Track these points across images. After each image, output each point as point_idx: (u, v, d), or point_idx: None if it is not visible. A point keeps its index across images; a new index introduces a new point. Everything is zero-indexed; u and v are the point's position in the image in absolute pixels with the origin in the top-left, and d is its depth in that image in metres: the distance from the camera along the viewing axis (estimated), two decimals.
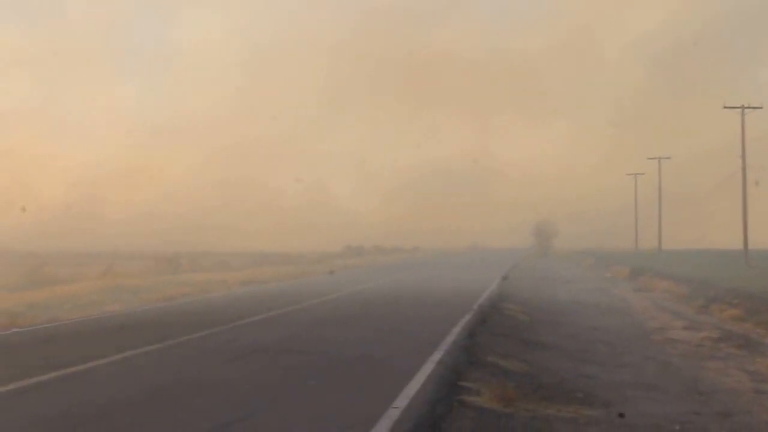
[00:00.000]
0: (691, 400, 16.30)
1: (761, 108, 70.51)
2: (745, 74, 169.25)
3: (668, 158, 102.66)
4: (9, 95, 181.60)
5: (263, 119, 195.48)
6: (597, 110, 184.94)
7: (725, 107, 70.94)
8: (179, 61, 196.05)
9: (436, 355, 18.49)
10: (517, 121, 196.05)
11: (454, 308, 30.67)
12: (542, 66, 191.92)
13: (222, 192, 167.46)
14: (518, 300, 36.75)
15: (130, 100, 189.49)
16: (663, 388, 17.52)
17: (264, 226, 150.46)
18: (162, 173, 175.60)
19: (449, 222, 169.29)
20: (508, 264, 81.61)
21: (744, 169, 69.31)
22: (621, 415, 13.73)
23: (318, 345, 20.66)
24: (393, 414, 12.44)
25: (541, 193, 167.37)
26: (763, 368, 20.40)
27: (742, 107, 70.30)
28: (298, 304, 32.75)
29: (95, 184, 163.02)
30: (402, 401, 13.38)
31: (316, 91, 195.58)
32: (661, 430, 13.26)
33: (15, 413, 12.73)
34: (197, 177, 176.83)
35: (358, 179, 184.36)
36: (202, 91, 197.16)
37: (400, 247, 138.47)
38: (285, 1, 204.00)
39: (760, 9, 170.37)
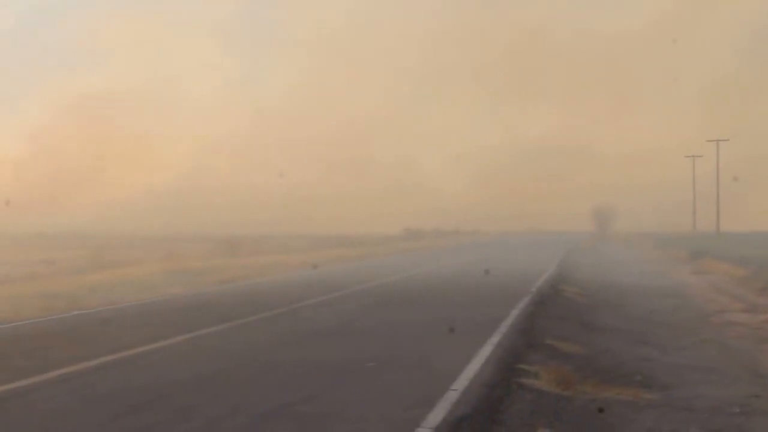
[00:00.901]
0: (751, 383, 16.22)
1: None
2: None
3: (726, 140, 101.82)
4: (121, 76, 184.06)
5: (361, 101, 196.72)
6: (682, 94, 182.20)
7: None
8: (283, 43, 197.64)
9: (494, 338, 18.57)
10: (604, 105, 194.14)
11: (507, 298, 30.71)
12: (631, 49, 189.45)
13: (320, 174, 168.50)
14: (577, 283, 36.69)
15: (236, 82, 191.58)
16: (722, 371, 17.45)
17: (347, 208, 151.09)
18: (264, 156, 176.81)
19: (525, 205, 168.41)
20: (565, 247, 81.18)
21: None
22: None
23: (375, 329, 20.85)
24: (452, 396, 12.52)
25: (615, 178, 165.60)
26: None
27: None
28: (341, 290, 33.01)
29: (204, 166, 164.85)
30: (461, 383, 13.47)
31: (410, 73, 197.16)
32: (721, 413, 13.23)
33: (78, 394, 12.98)
34: (296, 159, 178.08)
35: (446, 161, 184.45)
36: (302, 71, 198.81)
37: (460, 230, 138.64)
38: None
39: None
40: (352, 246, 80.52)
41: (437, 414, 11.46)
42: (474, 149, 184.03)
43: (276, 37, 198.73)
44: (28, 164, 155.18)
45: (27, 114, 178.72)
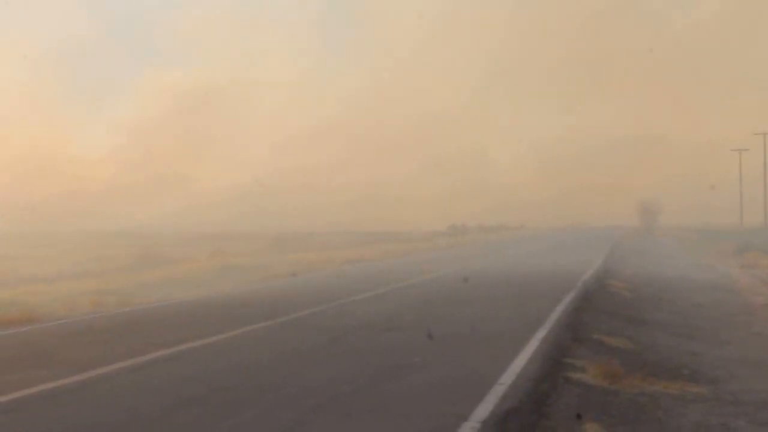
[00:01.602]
0: None
1: None
2: None
3: None
4: (203, 76, 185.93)
5: (430, 98, 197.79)
6: (747, 88, 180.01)
7: None
8: (356, 44, 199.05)
9: (540, 333, 18.64)
10: (670, 100, 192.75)
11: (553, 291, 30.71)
12: (708, 39, 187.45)
13: (388, 171, 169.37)
14: (622, 277, 36.61)
15: (313, 81, 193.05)
16: None
17: (407, 205, 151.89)
18: (337, 156, 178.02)
19: (576, 200, 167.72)
20: (610, 242, 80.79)
21: None
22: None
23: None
24: (499, 390, 12.62)
25: (669, 172, 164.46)
26: None
27: None
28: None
29: (277, 167, 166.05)
30: (508, 377, 13.56)
31: (483, 64, 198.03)
32: None
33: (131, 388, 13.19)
34: (367, 157, 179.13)
35: (516, 154, 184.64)
36: (377, 62, 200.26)
37: (506, 224, 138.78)
38: None
39: None
40: (394, 242, 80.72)
41: (485, 407, 11.57)
42: (538, 144, 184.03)
43: (352, 37, 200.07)
44: (111, 163, 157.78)
45: (115, 114, 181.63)
